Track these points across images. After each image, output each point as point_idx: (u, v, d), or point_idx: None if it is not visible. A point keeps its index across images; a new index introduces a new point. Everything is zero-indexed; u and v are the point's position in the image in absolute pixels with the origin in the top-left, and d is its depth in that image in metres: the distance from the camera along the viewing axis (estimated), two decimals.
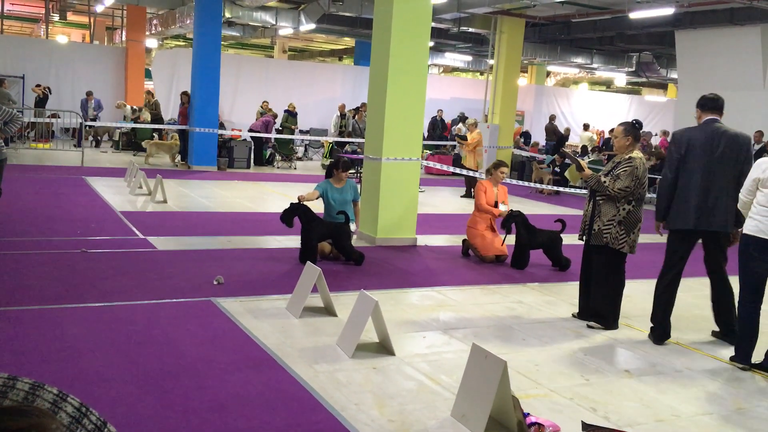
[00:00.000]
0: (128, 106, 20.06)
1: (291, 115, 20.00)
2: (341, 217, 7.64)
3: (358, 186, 7.92)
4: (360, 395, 4.16)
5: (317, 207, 7.85)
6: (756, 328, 5.07)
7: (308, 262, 5.90)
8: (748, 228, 4.98)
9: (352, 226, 7.79)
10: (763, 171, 4.93)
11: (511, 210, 8.10)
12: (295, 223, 7.47)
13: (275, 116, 18.90)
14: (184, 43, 30.73)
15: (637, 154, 5.72)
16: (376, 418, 3.86)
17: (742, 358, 5.09)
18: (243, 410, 3.81)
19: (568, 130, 22.71)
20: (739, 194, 5.15)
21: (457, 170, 14.73)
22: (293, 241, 8.58)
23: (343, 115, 20.30)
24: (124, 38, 24.67)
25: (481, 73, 29.80)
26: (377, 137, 8.77)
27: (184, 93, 16.90)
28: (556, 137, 20.28)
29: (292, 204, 7.45)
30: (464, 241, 8.69)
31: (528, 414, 3.88)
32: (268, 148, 18.62)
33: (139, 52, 23.56)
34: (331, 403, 4.00)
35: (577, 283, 7.62)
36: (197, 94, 15.98)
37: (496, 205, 8.32)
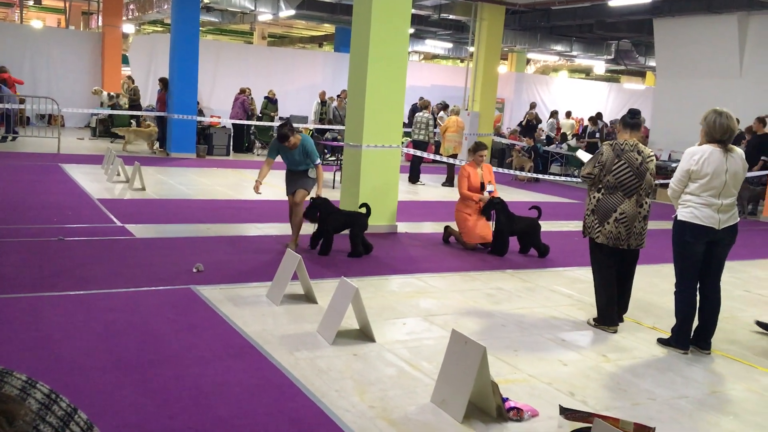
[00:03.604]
0: (105, 93, 19.81)
1: (271, 101, 19.87)
2: (303, 167, 7.44)
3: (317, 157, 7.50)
4: (341, 382, 4.17)
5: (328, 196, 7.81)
6: (695, 312, 5.19)
7: (288, 250, 5.89)
8: (683, 215, 5.06)
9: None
10: (696, 162, 4.98)
11: (492, 197, 8.13)
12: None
13: (245, 92, 18.70)
14: (162, 29, 30.34)
15: (623, 141, 5.60)
16: (356, 404, 3.88)
17: (684, 344, 5.18)
18: (223, 398, 3.81)
19: (569, 113, 22.82)
20: (671, 184, 5.22)
21: (437, 157, 14.74)
22: (274, 229, 8.57)
23: (323, 102, 20.22)
24: (100, 23, 24.31)
25: (462, 61, 29.79)
26: (357, 124, 8.74)
27: (162, 79, 16.71)
28: (530, 123, 20.40)
29: (312, 199, 7.36)
30: (446, 227, 8.72)
31: (507, 399, 3.92)
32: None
33: (116, 37, 23.22)
34: (312, 390, 4.01)
35: (557, 269, 7.71)
36: (175, 80, 15.82)
37: (482, 186, 8.34)
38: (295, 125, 19.14)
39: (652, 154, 5.64)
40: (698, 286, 5.25)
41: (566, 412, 3.06)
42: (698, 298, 5.25)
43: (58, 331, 4.61)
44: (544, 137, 20.96)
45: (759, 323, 5.78)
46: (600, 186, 5.64)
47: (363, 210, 7.71)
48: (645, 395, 4.32)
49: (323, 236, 7.32)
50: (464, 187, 8.37)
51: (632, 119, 5.69)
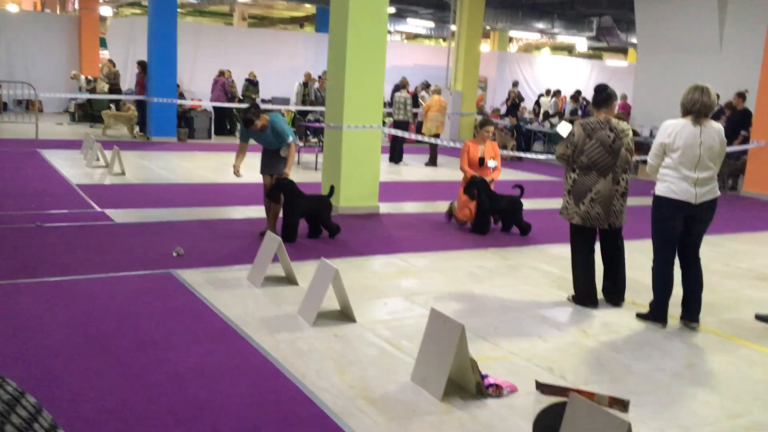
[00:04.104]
0: (83, 77, 19.55)
1: (252, 84, 19.71)
2: (278, 146, 7.28)
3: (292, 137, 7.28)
4: (321, 363, 4.18)
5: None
6: (671, 286, 5.22)
7: (268, 231, 5.86)
8: (660, 190, 5.08)
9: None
10: (668, 135, 4.98)
11: (473, 176, 8.13)
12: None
13: (225, 75, 18.51)
14: (140, 11, 29.92)
15: (594, 120, 5.58)
16: (336, 384, 3.88)
17: (662, 318, 5.21)
18: (202, 381, 3.80)
19: (548, 91, 22.73)
20: (648, 159, 5.23)
21: (419, 138, 14.71)
22: (255, 212, 8.52)
23: (305, 84, 20.06)
24: (77, 6, 23.93)
25: (444, 40, 29.66)
26: (337, 105, 8.69)
27: (140, 62, 16.51)
28: (513, 102, 20.38)
29: (278, 180, 7.19)
30: (452, 203, 8.73)
31: (486, 376, 3.94)
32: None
33: (93, 20, 22.89)
34: (292, 371, 4.01)
35: (538, 246, 7.74)
36: (154, 63, 15.64)
37: (481, 162, 8.34)
38: (277, 107, 18.97)
39: (627, 128, 5.57)
40: (678, 261, 5.27)
41: (542, 387, 3.08)
42: (680, 273, 5.27)
43: (35, 318, 4.57)
44: (527, 115, 20.96)
45: (758, 317, 5.54)
46: (575, 166, 5.64)
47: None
48: (623, 369, 4.36)
49: (287, 221, 7.12)
50: (463, 162, 8.41)
51: (599, 95, 5.65)
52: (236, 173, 7.26)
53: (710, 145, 4.99)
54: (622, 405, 2.93)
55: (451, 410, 3.67)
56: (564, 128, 5.96)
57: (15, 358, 3.93)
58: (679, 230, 5.10)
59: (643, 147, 16.04)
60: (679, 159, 4.96)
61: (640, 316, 5.35)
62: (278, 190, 7.05)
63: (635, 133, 16.79)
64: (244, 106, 18.67)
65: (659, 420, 3.67)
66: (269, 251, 5.67)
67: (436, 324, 3.98)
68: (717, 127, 5.07)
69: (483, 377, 3.92)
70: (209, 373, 3.91)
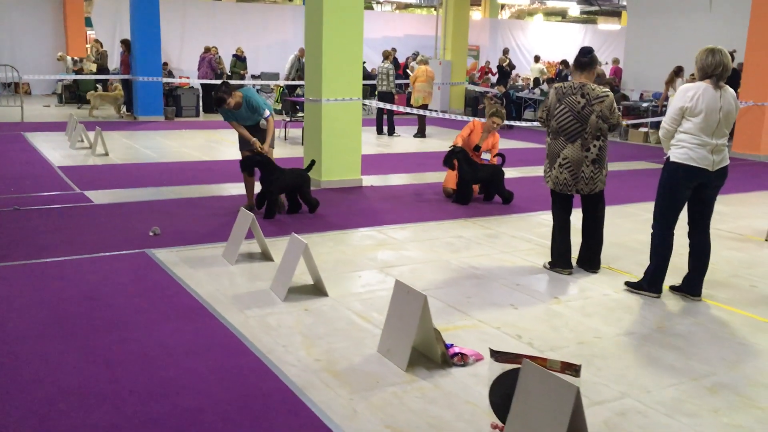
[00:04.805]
0: (68, 58, 19.40)
1: (239, 59, 19.57)
2: (254, 121, 7.16)
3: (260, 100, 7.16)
4: (289, 337, 4.18)
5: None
6: (670, 255, 5.08)
7: (242, 208, 5.84)
8: (677, 156, 4.85)
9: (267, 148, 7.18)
10: (690, 99, 4.77)
11: (453, 146, 8.09)
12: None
13: (211, 51, 18.36)
14: None
15: (568, 84, 5.50)
16: (302, 358, 3.89)
17: (658, 287, 5.08)
18: (167, 359, 3.81)
19: (537, 57, 22.48)
20: (663, 123, 5.06)
21: (408, 110, 14.62)
22: (238, 189, 8.50)
23: (300, 59, 19.83)
24: None
25: (436, 9, 29.33)
26: (316, 78, 8.62)
27: (124, 41, 16.37)
28: (503, 70, 20.20)
29: (254, 153, 7.08)
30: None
31: (451, 345, 3.95)
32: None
33: (78, 0, 22.64)
34: (259, 347, 4.02)
35: (520, 215, 7.73)
36: (137, 41, 15.50)
37: (477, 149, 8.26)
38: (266, 82, 18.79)
39: (603, 94, 5.45)
40: (689, 231, 5.10)
41: (496, 355, 3.09)
42: (689, 245, 5.11)
43: (4, 301, 4.58)
44: (520, 83, 20.80)
45: (627, 284, 5.37)
46: (549, 131, 5.61)
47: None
48: (591, 334, 4.36)
49: (267, 198, 7.06)
50: (459, 135, 8.35)
51: (583, 57, 5.55)
52: (260, 148, 7.08)
53: (728, 110, 4.81)
54: (574, 370, 2.93)
55: (415, 380, 3.68)
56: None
57: None
58: (685, 200, 4.96)
59: (632, 111, 15.96)
60: (700, 124, 4.76)
61: (632, 286, 5.19)
62: (251, 164, 7.00)
63: (625, 98, 16.69)
64: (232, 82, 18.60)
65: (621, 383, 3.68)
66: (243, 228, 5.65)
67: (400, 295, 3.98)
68: (732, 92, 4.90)
69: (448, 347, 3.92)
70: (175, 352, 3.91)
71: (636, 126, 15.39)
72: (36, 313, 4.39)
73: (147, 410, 3.26)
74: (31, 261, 5.44)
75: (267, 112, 7.12)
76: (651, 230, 5.12)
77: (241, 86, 7.34)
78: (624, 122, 15.71)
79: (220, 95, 6.78)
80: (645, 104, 15.79)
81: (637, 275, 5.60)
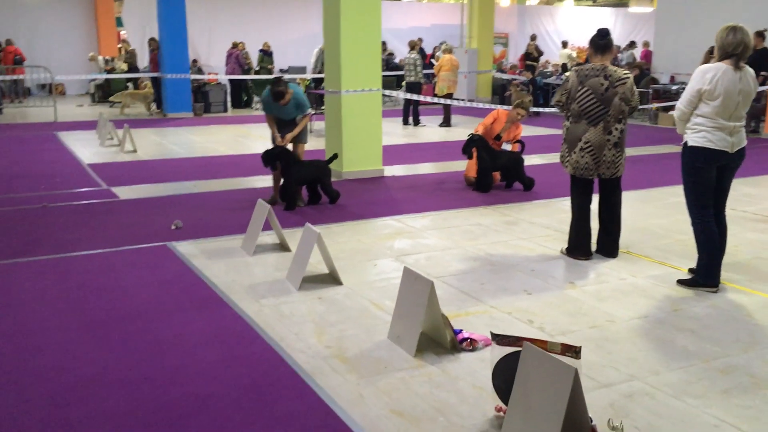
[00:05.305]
0: (100, 57, 19.77)
1: (266, 54, 19.73)
2: (292, 115, 7.34)
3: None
4: (301, 325, 4.24)
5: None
6: (718, 240, 4.88)
7: (259, 200, 5.92)
8: (696, 141, 4.73)
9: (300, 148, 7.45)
10: (709, 81, 4.62)
11: (471, 134, 8.07)
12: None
13: (238, 47, 18.55)
14: None
15: (589, 66, 5.42)
16: (313, 346, 3.95)
17: (715, 280, 4.84)
18: (181, 348, 3.90)
19: (565, 43, 22.13)
20: (678, 105, 4.94)
21: (434, 100, 14.59)
22: (262, 182, 8.60)
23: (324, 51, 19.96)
24: None
25: None
26: (335, 70, 8.66)
27: (152, 39, 16.63)
28: (535, 55, 19.96)
29: (274, 146, 7.21)
30: None
31: (460, 330, 3.97)
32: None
33: (108, 0, 23.03)
34: (271, 335, 4.09)
35: (540, 201, 7.69)
36: (165, 39, 15.72)
37: (498, 138, 8.24)
38: (293, 76, 18.94)
39: (624, 75, 5.38)
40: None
41: (497, 338, 3.10)
42: None
43: (29, 294, 4.73)
44: (550, 68, 20.53)
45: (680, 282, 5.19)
46: (568, 114, 5.54)
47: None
48: (604, 318, 4.34)
49: (287, 189, 7.16)
50: (482, 123, 8.34)
51: (601, 40, 5.48)
52: (281, 142, 7.25)
53: (747, 91, 4.68)
54: (574, 352, 2.93)
55: (423, 365, 3.71)
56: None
57: (1, 332, 4.07)
58: (714, 180, 4.83)
59: (662, 95, 15.69)
60: (718, 107, 4.63)
61: (685, 283, 4.93)
62: (272, 157, 7.09)
63: (654, 81, 16.41)
64: (259, 77, 18.78)
65: (630, 366, 3.67)
66: (260, 219, 5.73)
67: (408, 281, 4.01)
68: (752, 72, 4.75)
69: (457, 332, 3.94)
70: (190, 341, 4.00)
71: (666, 109, 15.12)
72: (58, 305, 4.53)
73: (160, 397, 3.35)
74: (56, 255, 5.59)
75: (308, 110, 7.38)
76: (692, 228, 4.92)
77: (289, 82, 7.47)
78: (654, 105, 15.46)
79: (282, 89, 7.02)
80: (675, 87, 15.51)
81: (658, 260, 5.56)
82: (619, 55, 21.39)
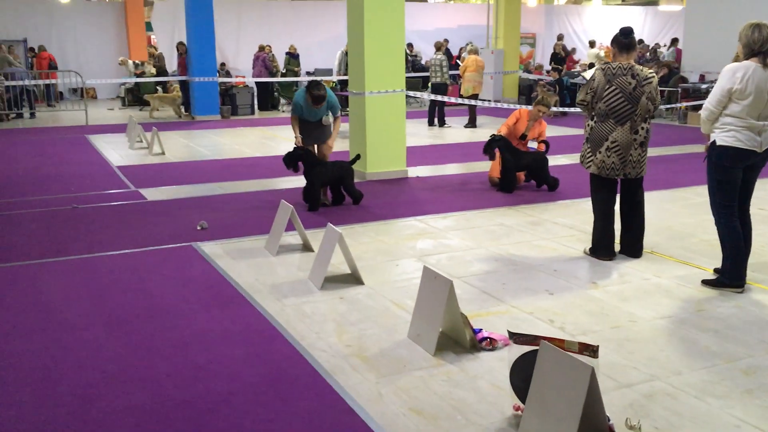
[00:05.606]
0: (130, 62, 20.09)
1: (293, 57, 19.84)
2: (320, 117, 7.44)
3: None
4: (322, 324, 4.28)
5: None
6: (743, 240, 4.83)
7: (282, 201, 5.97)
8: (725, 140, 4.66)
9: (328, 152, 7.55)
10: (740, 80, 4.55)
11: (493, 135, 8.05)
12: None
13: (265, 50, 18.70)
14: None
15: (616, 65, 5.39)
16: (333, 344, 3.98)
17: (740, 279, 4.78)
18: (204, 346, 3.96)
19: (592, 43, 21.87)
20: (707, 105, 4.87)
21: (459, 101, 14.57)
22: (287, 183, 8.67)
23: (347, 53, 20.05)
24: None
25: None
26: (359, 72, 8.71)
27: (181, 43, 16.86)
28: (558, 56, 19.82)
29: (295, 148, 7.27)
30: None
31: (480, 330, 3.97)
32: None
33: (138, 5, 23.39)
34: (292, 334, 4.13)
35: (564, 202, 7.64)
36: (193, 43, 15.92)
37: (523, 138, 8.24)
38: (318, 78, 19.07)
39: (650, 74, 5.34)
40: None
41: (515, 337, 3.10)
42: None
43: (57, 293, 4.83)
44: (578, 69, 20.35)
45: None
46: (593, 113, 5.50)
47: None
48: (626, 318, 4.31)
49: (310, 190, 7.20)
50: (505, 124, 8.34)
51: (625, 38, 5.44)
52: (300, 143, 7.34)
53: None
54: (592, 350, 2.92)
55: (442, 364, 3.72)
56: (591, 73, 5.71)
57: (29, 330, 4.17)
58: (740, 179, 4.77)
59: (691, 94, 15.48)
60: (748, 107, 4.56)
61: (710, 283, 4.87)
62: (293, 159, 7.15)
63: (683, 80, 16.19)
64: (285, 80, 18.92)
65: (651, 366, 3.64)
66: (283, 220, 5.79)
67: (428, 281, 4.02)
68: None
69: (476, 331, 3.94)
70: (212, 339, 4.06)
71: (695, 108, 14.91)
72: (84, 304, 4.62)
73: (181, 393, 3.41)
74: (84, 255, 5.71)
75: (339, 113, 7.49)
76: (716, 228, 4.85)
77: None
78: (683, 104, 15.26)
79: (322, 93, 7.14)
80: (705, 86, 15.29)
81: (682, 260, 5.50)
82: (661, 50, 21.00)
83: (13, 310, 4.53)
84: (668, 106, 15.61)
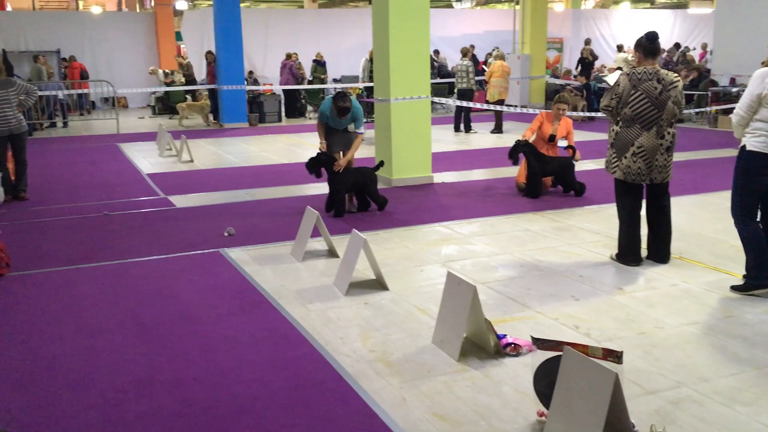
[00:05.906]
0: (160, 71, 20.38)
1: (319, 64, 19.98)
2: (346, 125, 7.49)
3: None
4: (347, 329, 4.31)
5: None
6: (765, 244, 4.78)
7: (308, 207, 6.02)
8: (754, 145, 4.63)
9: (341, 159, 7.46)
10: None
11: (517, 140, 8.03)
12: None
13: (292, 57, 18.86)
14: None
15: (641, 70, 5.35)
16: (357, 350, 4.01)
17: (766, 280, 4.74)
18: (230, 350, 4.01)
19: (620, 47, 21.70)
20: (737, 110, 4.83)
21: (484, 106, 14.54)
22: (313, 189, 8.74)
23: (371, 60, 20.13)
24: (152, 3, 24.88)
25: (518, 3, 28.96)
26: (384, 78, 8.75)
27: (209, 52, 17.09)
28: (585, 61, 19.67)
29: (319, 153, 7.34)
30: None
31: (504, 336, 3.96)
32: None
33: (168, 15, 23.75)
34: (317, 339, 4.17)
35: (590, 207, 7.59)
36: (221, 52, 16.12)
37: (551, 139, 8.23)
38: (345, 86, 19.16)
39: (676, 79, 5.31)
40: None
41: (538, 342, 3.09)
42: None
43: (88, 298, 4.93)
44: (606, 73, 20.19)
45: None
46: (618, 119, 5.47)
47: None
48: (653, 324, 4.27)
49: (334, 197, 7.26)
50: (529, 129, 8.33)
51: (651, 44, 5.41)
52: (324, 147, 7.43)
53: None
54: (616, 356, 2.90)
55: (466, 369, 3.72)
56: (614, 78, 5.66)
57: (60, 335, 4.27)
58: (765, 186, 4.73)
59: (722, 98, 15.27)
60: None
61: (738, 289, 4.81)
62: (316, 164, 7.20)
63: (713, 83, 15.97)
64: (312, 87, 19.06)
65: (678, 373, 3.60)
66: (308, 226, 5.84)
67: (452, 286, 4.03)
68: None
69: (500, 337, 3.94)
70: (238, 343, 4.11)
71: (726, 112, 14.70)
72: (113, 309, 4.71)
73: (207, 398, 3.46)
74: (114, 261, 5.81)
75: (361, 129, 7.49)
76: (736, 228, 4.83)
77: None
78: (713, 108, 15.05)
79: (348, 105, 7.20)
80: (735, 89, 15.07)
81: (711, 266, 5.44)
82: (691, 53, 20.80)
83: (47, 314, 4.64)
84: (698, 110, 15.42)
